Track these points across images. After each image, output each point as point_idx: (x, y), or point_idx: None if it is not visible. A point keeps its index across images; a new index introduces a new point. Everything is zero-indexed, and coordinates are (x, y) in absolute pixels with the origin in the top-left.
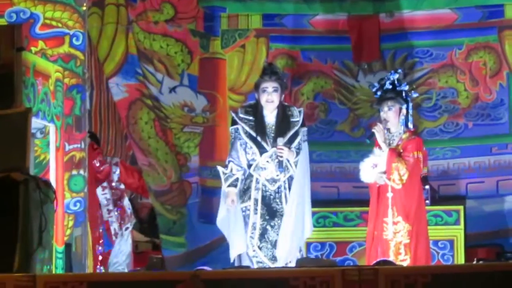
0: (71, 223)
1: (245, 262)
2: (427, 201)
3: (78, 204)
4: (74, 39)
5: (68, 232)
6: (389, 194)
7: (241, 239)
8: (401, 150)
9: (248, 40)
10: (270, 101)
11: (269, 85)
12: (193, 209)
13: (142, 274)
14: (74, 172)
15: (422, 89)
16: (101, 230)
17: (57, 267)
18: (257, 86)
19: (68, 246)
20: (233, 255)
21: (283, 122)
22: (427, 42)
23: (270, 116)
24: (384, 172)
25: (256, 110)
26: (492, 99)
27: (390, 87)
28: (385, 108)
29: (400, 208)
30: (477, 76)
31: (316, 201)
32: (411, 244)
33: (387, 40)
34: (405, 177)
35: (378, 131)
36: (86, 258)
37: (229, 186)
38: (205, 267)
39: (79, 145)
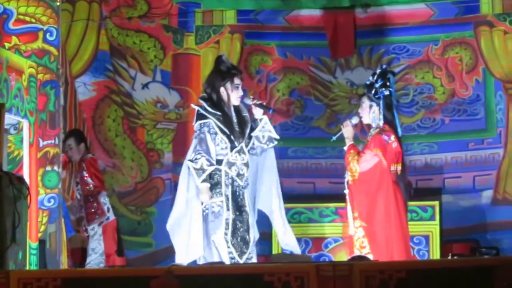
0: (45, 220)
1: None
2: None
3: (52, 200)
4: (47, 35)
5: (42, 228)
6: (346, 191)
7: (199, 242)
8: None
9: (222, 36)
10: (239, 97)
11: (240, 82)
12: (165, 206)
13: (116, 270)
14: (48, 168)
15: (399, 85)
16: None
17: (31, 263)
18: (228, 81)
19: (42, 242)
20: (189, 259)
21: (241, 117)
22: (404, 38)
23: (231, 111)
24: None
25: (219, 104)
26: (468, 95)
27: (367, 83)
28: (360, 104)
29: (355, 204)
30: (453, 72)
31: (292, 197)
32: (369, 241)
33: (364, 36)
34: (356, 174)
35: (344, 127)
36: (60, 254)
37: (202, 182)
38: (180, 263)
39: (53, 141)
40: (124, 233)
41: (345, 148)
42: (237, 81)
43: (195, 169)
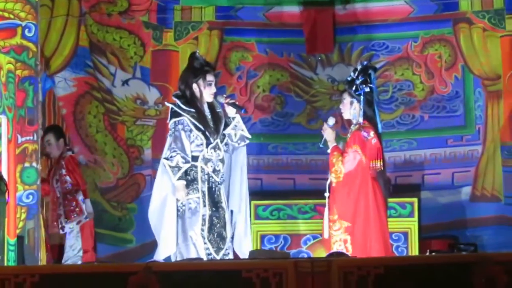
0: (23, 216)
1: (191, 254)
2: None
3: (30, 196)
4: (26, 31)
5: (21, 224)
6: (326, 194)
7: (173, 239)
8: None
9: (201, 33)
10: (212, 93)
11: (213, 78)
12: (146, 202)
13: (95, 266)
14: (27, 164)
15: (379, 82)
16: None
17: (9, 259)
18: (201, 78)
19: (20, 238)
20: (162, 256)
21: (215, 114)
22: (383, 35)
23: (205, 108)
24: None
25: (192, 101)
26: (448, 92)
27: (349, 79)
28: (341, 100)
29: (338, 206)
30: (433, 69)
31: (272, 193)
32: (351, 241)
33: (344, 33)
34: (341, 175)
35: (324, 130)
36: (39, 250)
37: (178, 179)
38: (157, 259)
39: (31, 137)
40: (106, 229)
41: (329, 150)
42: (209, 77)
43: (170, 167)
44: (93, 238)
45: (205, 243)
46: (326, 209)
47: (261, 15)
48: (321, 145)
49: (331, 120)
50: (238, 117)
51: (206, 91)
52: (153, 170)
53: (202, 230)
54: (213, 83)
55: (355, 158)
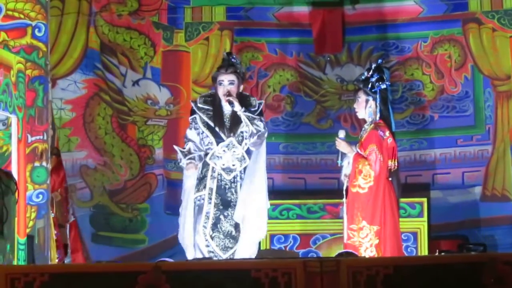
0: (33, 215)
1: (192, 252)
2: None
3: (40, 196)
4: (36, 31)
5: (31, 224)
6: (344, 200)
7: (191, 233)
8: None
9: (211, 33)
10: (225, 93)
11: (225, 78)
12: (158, 201)
13: (104, 265)
14: (37, 163)
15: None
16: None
17: (19, 258)
18: (214, 79)
19: (30, 238)
20: (189, 250)
21: (235, 113)
22: (393, 35)
23: (228, 106)
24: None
25: (214, 99)
26: (457, 92)
27: (363, 78)
28: (355, 99)
29: (366, 214)
30: (442, 69)
31: (283, 192)
32: (380, 243)
33: (353, 33)
34: (372, 178)
35: (338, 145)
36: (49, 250)
37: (189, 160)
38: (167, 259)
39: (41, 137)
40: (114, 231)
41: (344, 163)
42: (219, 77)
43: (182, 152)
44: (79, 238)
45: (206, 240)
46: (345, 215)
47: (271, 15)
48: (338, 162)
49: (341, 133)
50: (242, 114)
51: (219, 91)
52: (164, 169)
53: (204, 227)
54: (224, 83)
55: (377, 158)
